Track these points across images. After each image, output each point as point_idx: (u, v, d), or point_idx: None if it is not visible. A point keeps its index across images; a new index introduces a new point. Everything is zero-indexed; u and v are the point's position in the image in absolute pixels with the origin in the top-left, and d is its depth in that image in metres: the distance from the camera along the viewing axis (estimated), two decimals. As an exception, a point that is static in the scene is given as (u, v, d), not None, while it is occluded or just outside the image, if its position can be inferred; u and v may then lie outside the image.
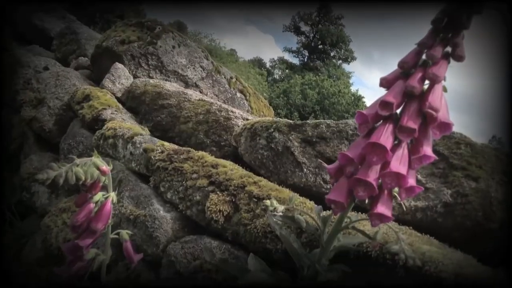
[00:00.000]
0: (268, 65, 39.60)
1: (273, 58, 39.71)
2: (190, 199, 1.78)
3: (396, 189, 0.95)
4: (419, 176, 1.49)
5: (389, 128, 0.93)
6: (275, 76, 37.98)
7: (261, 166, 1.93)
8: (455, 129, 0.90)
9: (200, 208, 1.73)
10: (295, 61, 38.20)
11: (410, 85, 0.90)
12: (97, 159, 1.06)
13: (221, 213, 1.63)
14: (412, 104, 0.92)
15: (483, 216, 1.33)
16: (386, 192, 0.96)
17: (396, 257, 0.98)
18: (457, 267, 1.15)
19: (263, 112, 4.50)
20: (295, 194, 1.62)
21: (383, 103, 0.92)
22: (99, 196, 1.12)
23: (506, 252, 1.29)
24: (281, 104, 26.16)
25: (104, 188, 1.13)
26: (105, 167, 1.06)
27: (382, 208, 0.93)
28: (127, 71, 3.18)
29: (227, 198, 1.66)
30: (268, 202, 1.08)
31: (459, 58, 0.89)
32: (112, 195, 1.13)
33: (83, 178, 1.02)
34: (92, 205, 1.11)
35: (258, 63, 38.94)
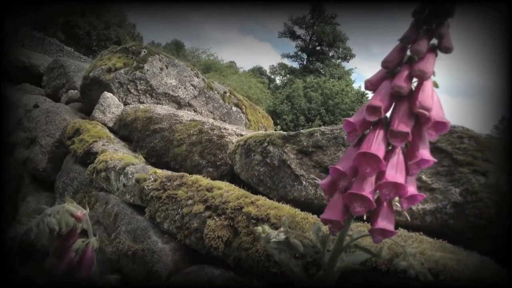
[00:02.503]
0: (268, 72, 39.53)
1: (273, 65, 39.58)
2: (187, 227, 1.69)
3: (397, 198, 0.87)
4: (423, 177, 1.40)
5: (379, 134, 0.85)
6: (277, 82, 37.89)
7: (259, 183, 1.84)
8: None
9: (198, 236, 1.64)
10: (295, 65, 38.17)
11: (396, 85, 0.82)
12: (70, 205, 0.98)
13: (220, 239, 1.55)
14: (401, 106, 0.84)
15: (497, 213, 1.23)
16: (385, 204, 0.87)
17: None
18: (474, 272, 1.06)
19: (261, 123, 4.43)
20: (296, 210, 1.53)
21: (370, 108, 0.84)
22: (78, 243, 1.04)
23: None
24: (286, 109, 26.02)
25: (84, 233, 1.05)
26: (79, 212, 0.98)
27: (383, 223, 0.85)
28: (117, 99, 3.11)
29: (225, 223, 1.57)
30: (260, 228, 1.00)
31: (446, 50, 0.82)
32: (93, 241, 1.05)
33: (57, 228, 0.94)
34: (72, 254, 1.03)
35: (258, 71, 38.86)
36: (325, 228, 1.16)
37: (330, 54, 36.90)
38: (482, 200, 1.26)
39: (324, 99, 26.44)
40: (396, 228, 1.37)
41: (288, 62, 38.14)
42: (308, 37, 36.95)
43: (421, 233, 1.31)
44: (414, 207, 1.37)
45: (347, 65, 37.27)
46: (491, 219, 1.24)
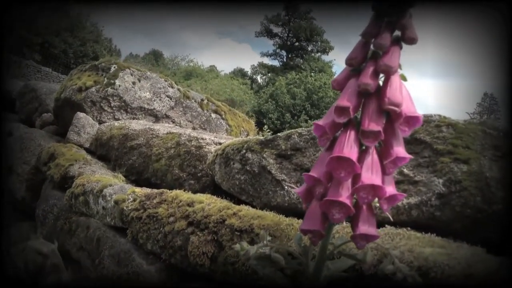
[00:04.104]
0: (250, 73, 39.45)
1: (254, 65, 39.53)
2: (171, 245, 1.63)
3: (377, 199, 0.83)
4: (405, 170, 1.36)
5: (351, 135, 0.81)
6: (260, 82, 37.85)
7: (241, 192, 1.79)
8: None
9: (183, 254, 1.59)
10: (275, 63, 38.16)
11: (363, 83, 0.79)
12: (36, 242, 0.93)
13: (205, 255, 1.49)
14: (370, 104, 0.80)
15: (482, 200, 1.20)
16: (364, 207, 0.83)
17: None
18: (465, 266, 1.03)
19: (243, 127, 4.38)
20: (280, 216, 1.49)
21: (338, 109, 0.80)
22: (51, 279, 0.99)
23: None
24: (271, 108, 26.02)
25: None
26: (46, 249, 0.92)
27: (364, 227, 0.81)
28: (91, 118, 3.04)
29: (209, 237, 1.52)
30: (237, 246, 0.95)
31: (411, 41, 0.78)
32: (65, 276, 0.99)
33: (22, 268, 0.88)
34: (45, 292, 0.98)
35: (239, 73, 38.76)
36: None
37: (309, 48, 36.92)
38: (466, 188, 1.22)
39: (308, 94, 26.53)
40: (383, 225, 1.34)
41: (268, 60, 38.11)
42: (286, 34, 36.98)
43: (409, 228, 1.27)
44: (399, 202, 1.33)
45: (327, 58, 37.41)
46: (477, 207, 1.20)
